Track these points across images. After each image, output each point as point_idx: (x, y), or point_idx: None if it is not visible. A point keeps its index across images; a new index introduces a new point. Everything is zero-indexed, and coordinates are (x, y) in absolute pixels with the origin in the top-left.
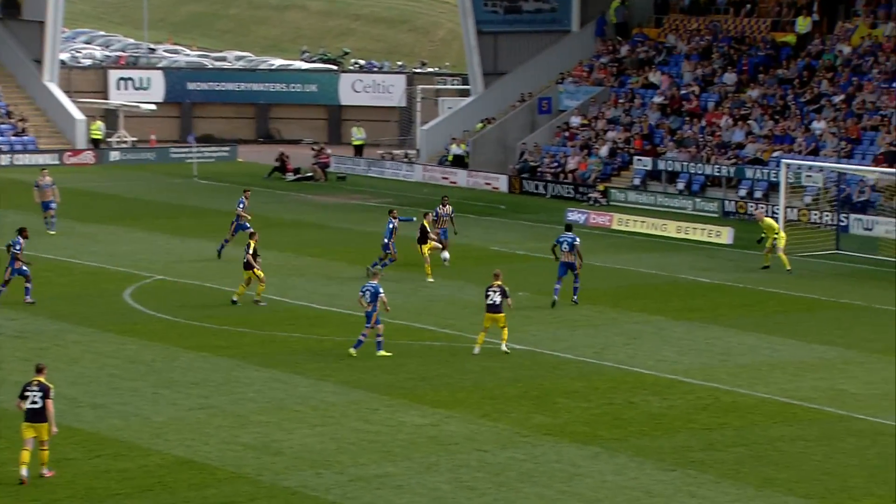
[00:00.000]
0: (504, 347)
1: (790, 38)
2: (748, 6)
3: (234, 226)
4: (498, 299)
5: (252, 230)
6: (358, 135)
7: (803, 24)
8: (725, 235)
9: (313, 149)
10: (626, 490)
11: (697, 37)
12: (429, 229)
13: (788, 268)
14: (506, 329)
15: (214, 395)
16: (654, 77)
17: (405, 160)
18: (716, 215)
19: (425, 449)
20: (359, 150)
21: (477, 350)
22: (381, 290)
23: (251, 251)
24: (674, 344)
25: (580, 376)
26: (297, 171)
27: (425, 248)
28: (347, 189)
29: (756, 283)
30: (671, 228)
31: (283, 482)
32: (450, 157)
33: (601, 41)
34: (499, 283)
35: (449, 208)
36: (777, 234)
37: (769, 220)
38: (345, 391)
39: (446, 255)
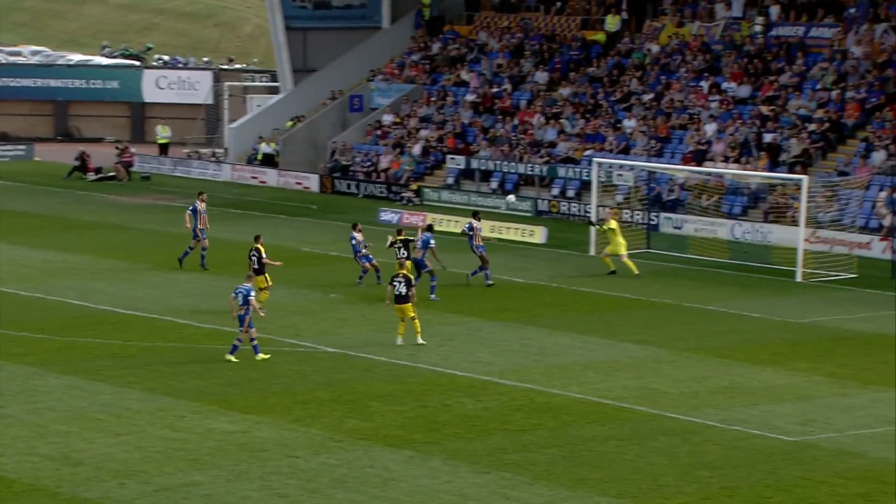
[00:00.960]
0: (420, 340)
1: (600, 37)
2: (558, 4)
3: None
4: (403, 290)
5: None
6: (163, 133)
7: (612, 22)
8: (539, 235)
9: (117, 147)
10: (441, 494)
11: (509, 34)
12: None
13: (637, 272)
14: (417, 321)
15: (11, 404)
16: (466, 75)
17: (213, 159)
18: (529, 214)
19: (235, 456)
20: (164, 148)
21: (399, 341)
22: (253, 293)
23: (263, 256)
24: (488, 345)
25: (394, 379)
26: (98, 170)
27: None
28: (152, 189)
29: (569, 283)
30: (485, 228)
31: (85, 494)
32: (259, 157)
33: (412, 38)
34: (404, 272)
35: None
36: (616, 237)
37: (615, 222)
38: (150, 398)
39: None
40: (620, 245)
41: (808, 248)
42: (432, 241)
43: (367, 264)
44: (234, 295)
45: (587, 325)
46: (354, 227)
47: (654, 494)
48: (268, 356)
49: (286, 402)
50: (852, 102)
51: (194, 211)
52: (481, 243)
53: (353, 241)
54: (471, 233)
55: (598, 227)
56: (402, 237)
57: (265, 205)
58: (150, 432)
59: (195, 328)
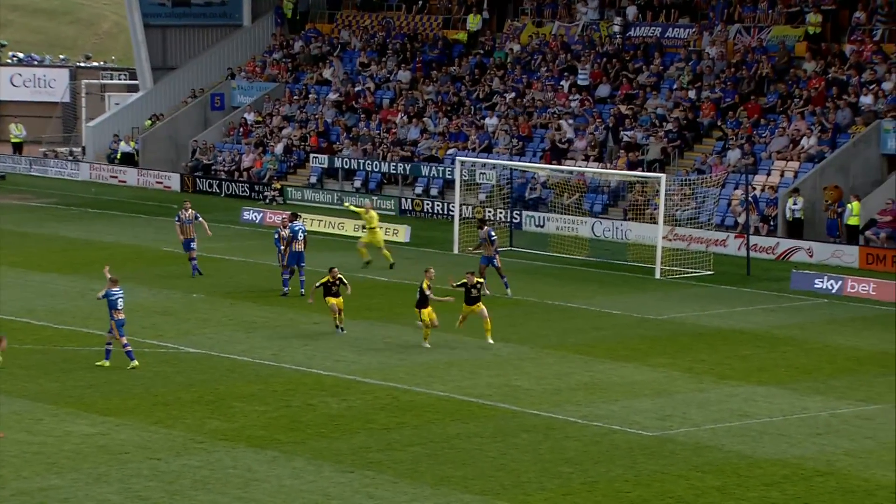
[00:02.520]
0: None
1: (462, 36)
2: (420, 3)
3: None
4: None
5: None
6: (16, 132)
7: (474, 21)
8: (403, 233)
9: None
10: (304, 494)
11: (371, 33)
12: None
13: (392, 261)
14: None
15: None
16: (329, 73)
17: (70, 158)
18: (393, 213)
19: (94, 459)
20: (18, 147)
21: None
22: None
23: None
24: (352, 344)
25: (257, 379)
26: None
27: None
28: (7, 188)
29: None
30: (349, 227)
31: None
32: (118, 156)
33: (273, 36)
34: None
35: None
36: (374, 226)
37: (374, 213)
38: (6, 401)
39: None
40: (377, 234)
41: (666, 245)
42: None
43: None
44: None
45: (452, 324)
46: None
47: (516, 491)
48: (137, 364)
49: (147, 403)
50: (708, 102)
51: (179, 220)
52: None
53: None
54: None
55: (348, 206)
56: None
57: (125, 204)
58: (6, 436)
59: (52, 329)
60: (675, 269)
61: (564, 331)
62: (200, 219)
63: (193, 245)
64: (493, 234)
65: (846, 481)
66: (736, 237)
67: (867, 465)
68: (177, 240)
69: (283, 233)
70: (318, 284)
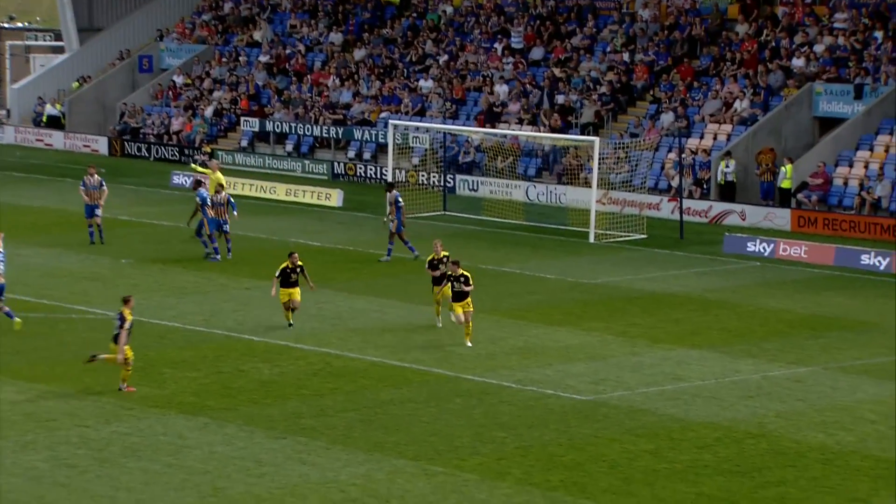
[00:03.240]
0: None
1: None
2: None
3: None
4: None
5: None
6: None
7: None
8: (335, 198)
9: None
10: (236, 461)
11: None
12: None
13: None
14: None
15: None
16: (259, 35)
17: None
18: (325, 177)
19: (21, 427)
20: None
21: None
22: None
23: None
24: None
25: (188, 345)
26: None
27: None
28: None
29: (366, 246)
30: (280, 191)
31: None
32: (44, 118)
33: None
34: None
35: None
36: (223, 187)
37: (220, 176)
38: None
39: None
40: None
41: (600, 209)
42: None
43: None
44: None
45: (384, 288)
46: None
47: (450, 456)
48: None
49: (75, 370)
50: (641, 65)
51: (84, 185)
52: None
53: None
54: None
55: (195, 167)
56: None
57: (52, 168)
58: None
59: None
60: (609, 232)
61: (498, 295)
62: (104, 187)
63: (98, 212)
64: (399, 199)
65: (777, 443)
66: (669, 201)
67: (798, 427)
68: (106, 205)
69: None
70: (277, 274)
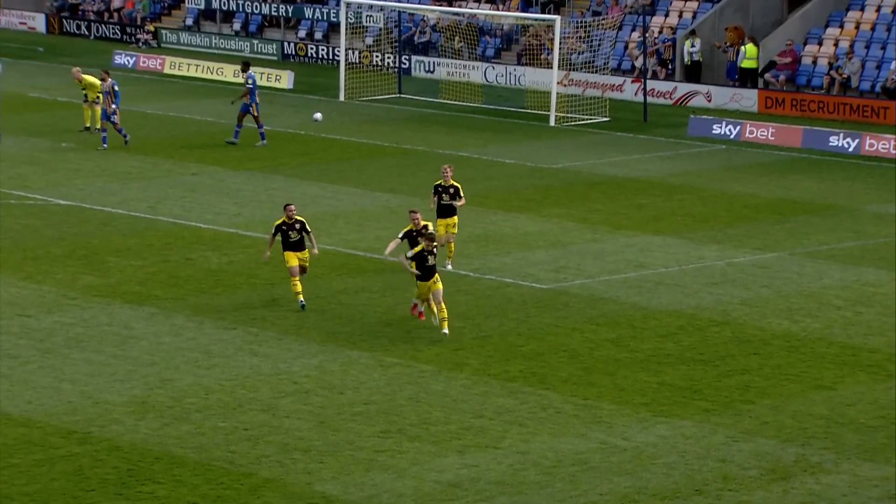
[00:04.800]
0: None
1: None
2: None
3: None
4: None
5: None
6: None
7: None
8: (285, 79)
9: None
10: (184, 351)
11: None
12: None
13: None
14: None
15: None
16: None
17: None
18: (275, 58)
19: None
20: None
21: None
22: None
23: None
24: (233, 196)
25: (133, 233)
26: None
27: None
28: None
29: (318, 130)
30: (228, 72)
31: None
32: None
33: None
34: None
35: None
36: (99, 93)
37: (90, 79)
38: None
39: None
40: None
41: (561, 91)
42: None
43: None
44: None
45: (337, 173)
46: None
47: (405, 346)
48: None
49: (15, 258)
50: None
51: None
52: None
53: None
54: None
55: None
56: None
57: None
58: None
59: None
60: (571, 115)
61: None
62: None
63: (114, 118)
64: (252, 78)
65: (741, 331)
66: (633, 82)
67: (763, 314)
68: (45, 86)
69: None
70: (273, 231)
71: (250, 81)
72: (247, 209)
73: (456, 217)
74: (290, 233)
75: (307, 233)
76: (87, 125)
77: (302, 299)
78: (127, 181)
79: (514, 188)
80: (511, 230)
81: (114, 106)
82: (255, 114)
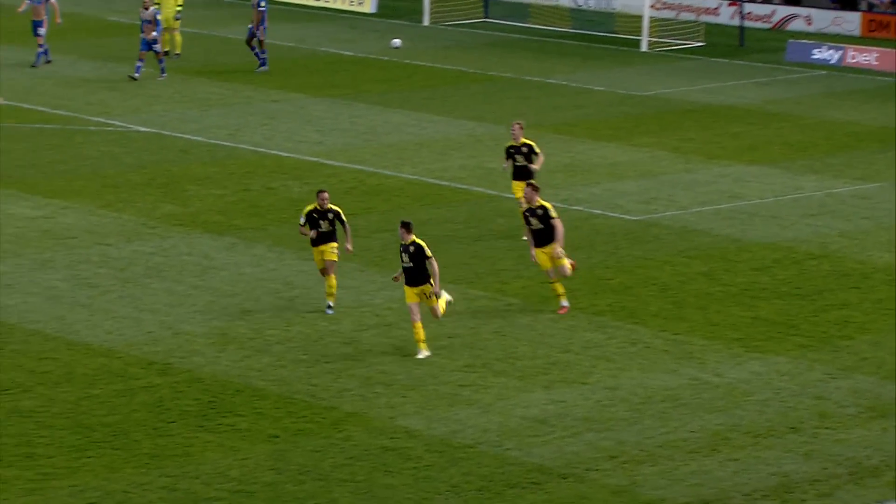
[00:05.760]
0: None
1: None
2: None
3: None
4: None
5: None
6: None
7: None
8: (368, 4)
9: None
10: (265, 282)
11: None
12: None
13: (178, 52)
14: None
15: None
16: None
17: None
18: None
19: (39, 244)
20: None
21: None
22: None
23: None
24: (315, 123)
25: (213, 161)
26: None
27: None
28: None
29: (401, 56)
30: None
31: None
32: None
33: None
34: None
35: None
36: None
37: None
38: None
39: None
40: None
41: (653, 14)
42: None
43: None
44: None
45: (421, 101)
46: None
47: (491, 279)
48: None
49: (94, 185)
50: None
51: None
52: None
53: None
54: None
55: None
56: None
57: None
58: None
59: None
60: (664, 40)
61: (542, 109)
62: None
63: (156, 46)
64: (263, 3)
65: (841, 264)
66: (729, 5)
67: (863, 246)
68: (123, 10)
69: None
70: (302, 220)
71: (263, 4)
72: (329, 137)
73: (534, 181)
74: (320, 222)
75: (342, 223)
76: (167, 50)
77: (330, 303)
78: (207, 108)
79: (603, 116)
80: (600, 160)
81: (154, 34)
82: (262, 38)
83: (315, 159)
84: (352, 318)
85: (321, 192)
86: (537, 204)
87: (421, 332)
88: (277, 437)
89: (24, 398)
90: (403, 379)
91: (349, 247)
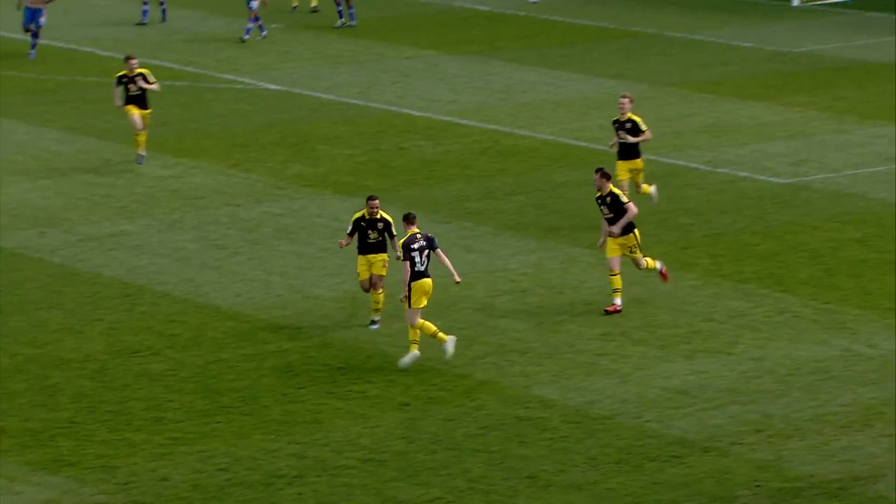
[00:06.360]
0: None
1: None
2: None
3: None
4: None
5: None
6: None
7: None
8: None
9: None
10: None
11: None
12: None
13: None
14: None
15: None
16: None
17: None
18: None
19: (167, 204)
20: None
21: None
22: None
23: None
24: (448, 81)
25: (343, 120)
26: None
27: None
28: None
29: (539, 11)
30: None
31: (0, 243)
32: None
33: None
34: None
35: None
36: None
37: None
38: (71, 138)
39: None
40: None
41: None
42: None
43: None
44: None
45: (558, 58)
46: None
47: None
48: None
49: (224, 144)
50: None
51: None
52: None
53: None
54: None
55: None
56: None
57: None
58: (72, 177)
59: (118, 62)
60: None
61: (687, 66)
62: None
63: (253, 3)
64: None
65: None
66: None
67: None
68: None
69: None
70: (349, 228)
71: None
72: (463, 96)
73: (640, 160)
74: (369, 231)
75: (391, 236)
76: (295, 5)
77: (375, 318)
78: (338, 65)
79: (751, 74)
80: (747, 119)
81: None
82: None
83: (448, 119)
84: (485, 284)
85: (372, 198)
86: (607, 191)
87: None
88: (408, 405)
89: (153, 361)
90: (538, 347)
91: (398, 252)
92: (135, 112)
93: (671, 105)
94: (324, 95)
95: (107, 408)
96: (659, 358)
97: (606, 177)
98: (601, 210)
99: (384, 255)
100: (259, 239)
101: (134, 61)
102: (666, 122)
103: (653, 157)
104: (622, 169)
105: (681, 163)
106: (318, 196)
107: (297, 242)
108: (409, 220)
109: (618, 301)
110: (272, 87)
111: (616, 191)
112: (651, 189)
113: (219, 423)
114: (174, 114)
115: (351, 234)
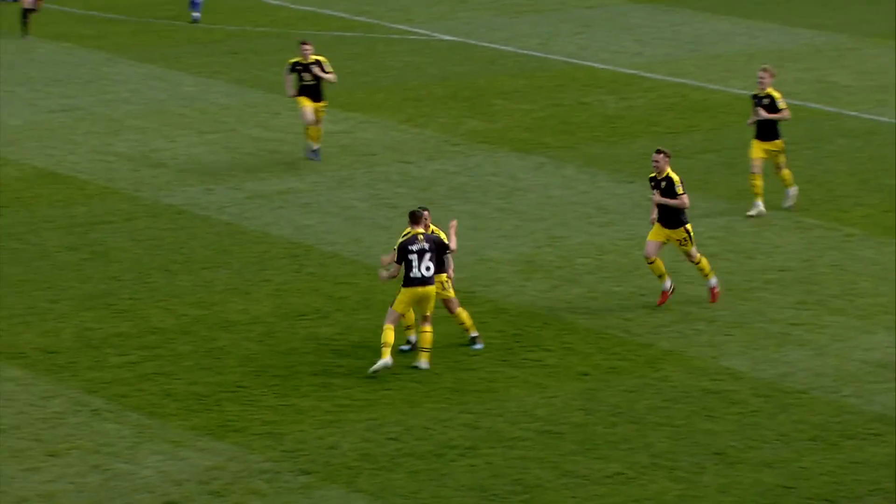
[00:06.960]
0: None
1: None
2: None
3: None
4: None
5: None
6: None
7: None
8: None
9: None
10: (576, 206)
11: None
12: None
13: None
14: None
15: (81, 94)
16: None
17: None
18: None
19: (337, 161)
20: None
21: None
22: None
23: None
24: (633, 32)
25: (522, 73)
26: None
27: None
28: None
29: None
30: None
31: (167, 199)
32: None
33: None
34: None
35: None
36: None
37: None
38: (239, 91)
39: None
40: None
41: None
42: None
43: None
44: None
45: (754, 6)
46: None
47: (828, 206)
48: None
49: (396, 98)
50: None
51: None
52: None
53: None
54: None
55: None
56: None
57: None
58: (240, 131)
59: (289, 10)
60: None
61: (893, 14)
62: None
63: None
64: None
65: None
66: None
67: None
68: None
69: None
70: (396, 246)
71: None
72: (648, 48)
73: (780, 141)
74: (415, 253)
75: (448, 246)
76: None
77: (475, 334)
78: (516, 14)
79: None
80: None
81: None
82: None
83: (633, 72)
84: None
85: (420, 211)
86: (665, 174)
87: (426, 338)
88: (587, 374)
89: (321, 325)
90: (727, 315)
91: (451, 282)
92: (307, 104)
93: (874, 57)
94: (501, 47)
95: (274, 372)
96: (858, 329)
97: (667, 156)
98: (653, 193)
99: (432, 288)
100: (431, 198)
101: (308, 47)
102: (867, 75)
103: (853, 113)
104: (757, 148)
105: (883, 119)
106: (493, 153)
107: (471, 202)
108: (415, 218)
109: (667, 284)
110: (447, 37)
111: (674, 176)
112: (791, 190)
113: (388, 390)
114: (345, 66)
115: (397, 251)
